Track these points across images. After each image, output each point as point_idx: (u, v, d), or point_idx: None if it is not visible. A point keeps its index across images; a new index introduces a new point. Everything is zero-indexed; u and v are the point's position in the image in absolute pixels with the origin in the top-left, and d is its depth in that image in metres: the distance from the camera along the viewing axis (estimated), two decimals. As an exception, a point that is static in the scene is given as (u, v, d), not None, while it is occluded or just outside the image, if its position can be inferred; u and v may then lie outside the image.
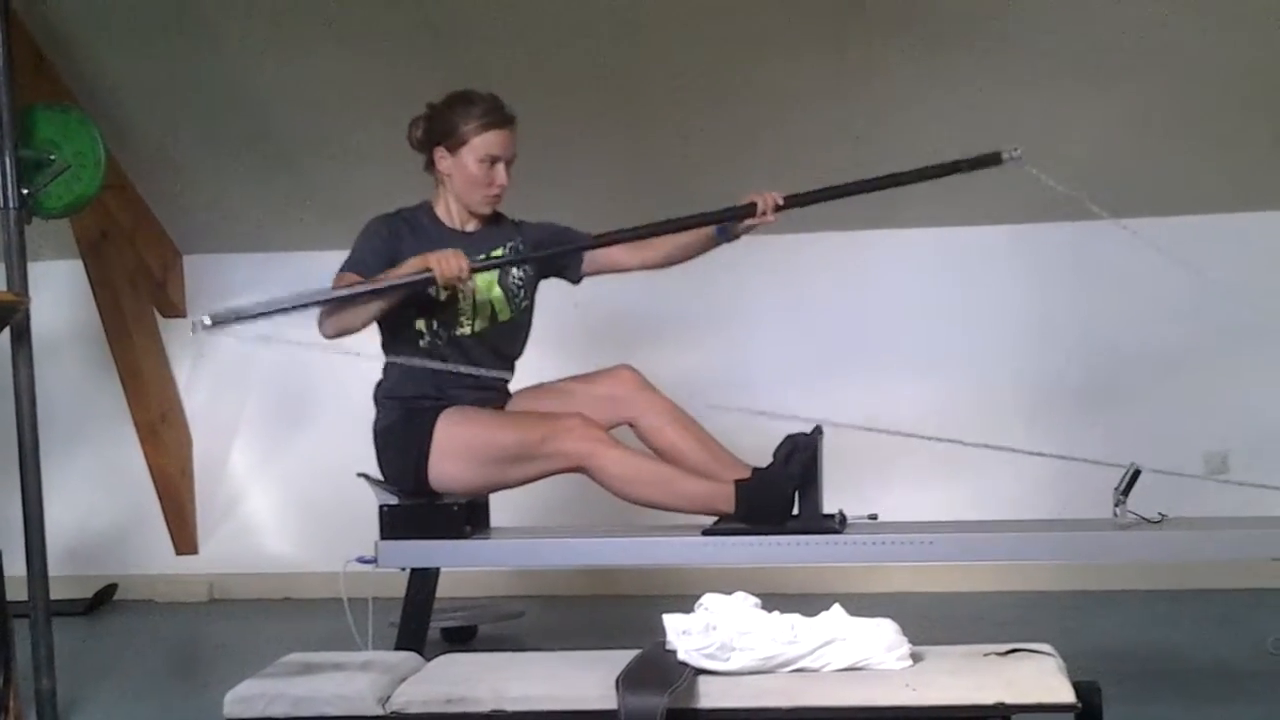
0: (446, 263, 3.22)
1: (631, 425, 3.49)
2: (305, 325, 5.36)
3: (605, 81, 4.63)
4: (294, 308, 3.33)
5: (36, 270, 3.75)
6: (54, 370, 4.70)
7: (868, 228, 5.03)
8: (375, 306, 3.30)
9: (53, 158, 3.70)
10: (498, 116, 3.41)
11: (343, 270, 3.38)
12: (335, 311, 3.32)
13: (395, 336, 3.44)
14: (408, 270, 3.26)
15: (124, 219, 5.11)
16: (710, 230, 3.49)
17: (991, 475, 4.94)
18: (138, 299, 5.30)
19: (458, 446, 3.34)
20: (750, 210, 3.41)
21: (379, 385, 3.51)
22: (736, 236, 3.50)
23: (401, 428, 3.39)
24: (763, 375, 5.07)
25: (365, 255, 3.38)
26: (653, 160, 4.85)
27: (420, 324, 3.41)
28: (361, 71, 4.65)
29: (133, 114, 4.83)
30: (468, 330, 3.43)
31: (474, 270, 3.30)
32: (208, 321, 3.32)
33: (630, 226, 3.51)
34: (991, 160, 3.43)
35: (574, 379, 3.56)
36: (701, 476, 3.36)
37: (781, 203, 3.41)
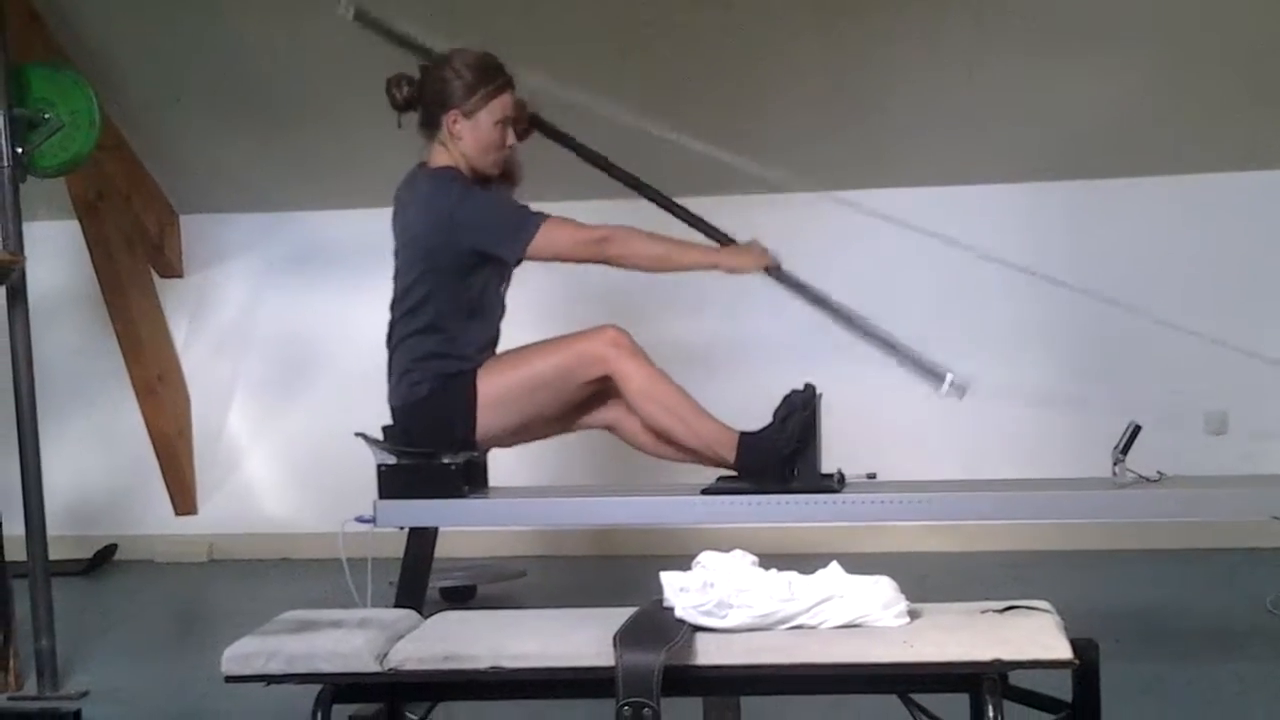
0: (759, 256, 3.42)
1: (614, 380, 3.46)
2: (301, 282, 5.39)
3: (605, 44, 4.61)
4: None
5: (33, 231, 3.74)
6: (51, 331, 4.70)
7: (865, 187, 5.01)
8: (671, 266, 3.41)
9: (47, 116, 3.68)
10: (507, 78, 3.43)
11: (545, 219, 3.33)
12: (630, 249, 3.38)
13: (459, 294, 3.37)
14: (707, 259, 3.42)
15: (120, 179, 5.10)
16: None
17: (990, 434, 4.96)
18: (134, 259, 5.29)
19: (503, 394, 3.35)
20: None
21: (408, 361, 3.39)
22: None
23: (441, 396, 3.35)
24: (758, 336, 5.07)
25: (519, 205, 3.40)
26: (651, 116, 4.81)
27: (505, 287, 3.47)
28: (358, 32, 4.61)
29: (128, 73, 4.81)
30: (507, 285, 3.50)
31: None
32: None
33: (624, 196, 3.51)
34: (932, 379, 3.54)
35: (555, 339, 3.52)
36: (691, 450, 3.37)
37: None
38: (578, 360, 3.34)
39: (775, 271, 3.48)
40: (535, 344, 3.44)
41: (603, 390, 3.46)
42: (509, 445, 3.51)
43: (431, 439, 3.36)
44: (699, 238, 3.55)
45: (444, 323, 3.36)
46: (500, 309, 3.48)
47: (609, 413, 3.49)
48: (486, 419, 3.35)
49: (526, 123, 3.48)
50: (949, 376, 3.45)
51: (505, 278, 3.48)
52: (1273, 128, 4.74)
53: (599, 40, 4.61)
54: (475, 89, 3.38)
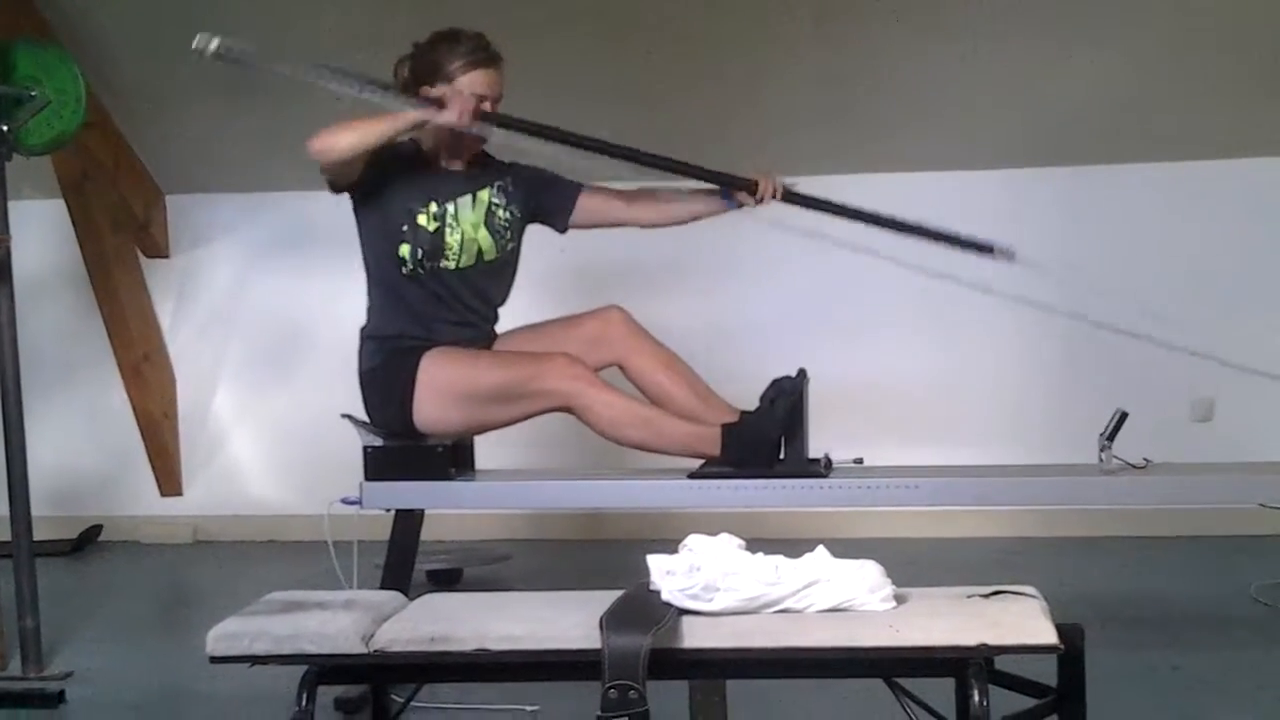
0: (463, 101, 3.22)
1: (620, 367, 3.47)
2: (288, 262, 5.38)
3: (594, 22, 4.59)
4: (304, 78, 3.27)
5: (18, 210, 3.72)
6: (36, 311, 4.69)
7: (862, 171, 5.01)
8: (372, 132, 3.21)
9: (33, 94, 3.65)
10: (484, 55, 3.37)
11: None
12: (331, 129, 3.23)
13: (379, 263, 3.40)
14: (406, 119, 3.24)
15: (106, 158, 5.08)
16: (720, 199, 3.53)
17: (977, 420, 4.97)
18: (120, 239, 5.27)
19: (442, 386, 3.32)
20: (749, 187, 3.46)
21: (363, 326, 3.49)
22: (741, 206, 3.53)
23: (385, 369, 3.36)
24: (753, 320, 5.07)
25: None
26: (645, 102, 4.81)
27: (405, 250, 3.36)
28: (345, 10, 4.60)
29: (114, 52, 4.79)
30: (452, 265, 3.39)
31: (485, 119, 3.27)
32: (214, 45, 3.19)
33: (630, 175, 3.49)
34: (984, 249, 3.59)
35: (562, 320, 3.53)
36: (688, 419, 3.35)
37: (779, 194, 3.47)
38: (532, 391, 3.29)
39: (500, 118, 3.34)
40: (492, 355, 3.42)
41: None
42: (460, 437, 3.49)
43: (375, 413, 3.39)
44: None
45: (376, 296, 3.41)
46: (443, 292, 3.39)
47: None
48: (426, 409, 3.33)
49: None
50: (995, 246, 3.49)
51: (439, 256, 3.39)
52: (1264, 115, 4.75)
53: (593, 27, 4.60)
54: (448, 63, 3.35)
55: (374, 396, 3.40)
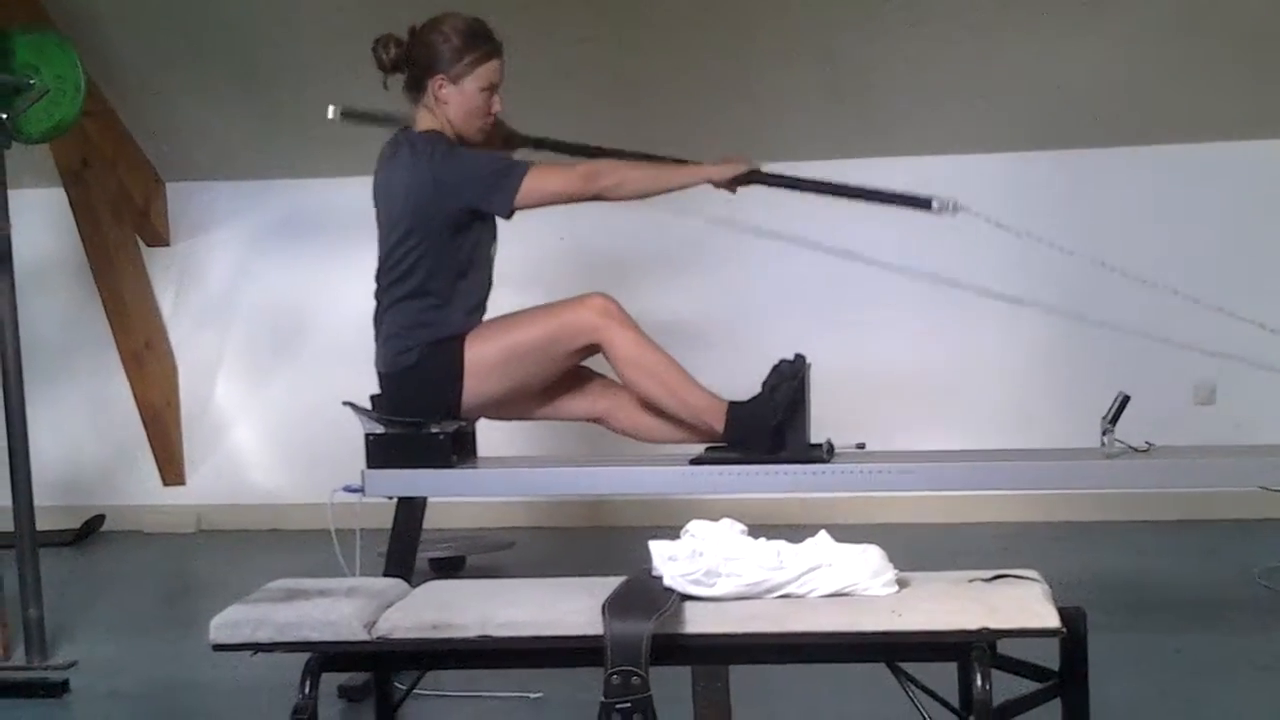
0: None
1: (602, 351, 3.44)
2: (289, 250, 5.38)
3: (598, 20, 4.58)
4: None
5: (18, 198, 3.71)
6: (37, 300, 4.68)
7: (855, 156, 5.00)
8: (658, 186, 3.37)
9: (32, 82, 3.63)
10: (496, 44, 3.41)
11: (530, 165, 3.30)
12: (620, 178, 3.33)
13: (462, 259, 3.35)
14: (696, 176, 3.38)
15: (105, 146, 5.07)
16: None
17: (980, 405, 4.97)
18: (120, 227, 5.26)
19: (487, 361, 3.31)
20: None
21: (395, 327, 3.36)
22: None
23: (429, 363, 3.32)
24: (750, 308, 5.06)
25: (501, 156, 3.42)
26: (638, 88, 4.81)
27: (494, 249, 3.45)
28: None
29: (114, 40, 4.78)
30: (495, 246, 3.50)
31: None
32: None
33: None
34: (921, 204, 3.49)
35: (540, 306, 3.50)
36: (656, 414, 3.37)
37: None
38: (566, 328, 3.31)
39: (758, 175, 3.43)
40: (523, 311, 3.43)
41: (591, 381, 3.47)
42: (495, 417, 3.49)
43: (418, 407, 3.34)
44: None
45: (433, 285, 3.32)
46: (489, 269, 3.46)
47: (599, 404, 3.47)
48: (473, 387, 3.33)
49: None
50: (934, 201, 3.42)
51: (494, 237, 3.46)
52: (1264, 98, 4.73)
53: (591, 16, 4.59)
54: (463, 55, 3.35)
55: (414, 393, 3.34)
